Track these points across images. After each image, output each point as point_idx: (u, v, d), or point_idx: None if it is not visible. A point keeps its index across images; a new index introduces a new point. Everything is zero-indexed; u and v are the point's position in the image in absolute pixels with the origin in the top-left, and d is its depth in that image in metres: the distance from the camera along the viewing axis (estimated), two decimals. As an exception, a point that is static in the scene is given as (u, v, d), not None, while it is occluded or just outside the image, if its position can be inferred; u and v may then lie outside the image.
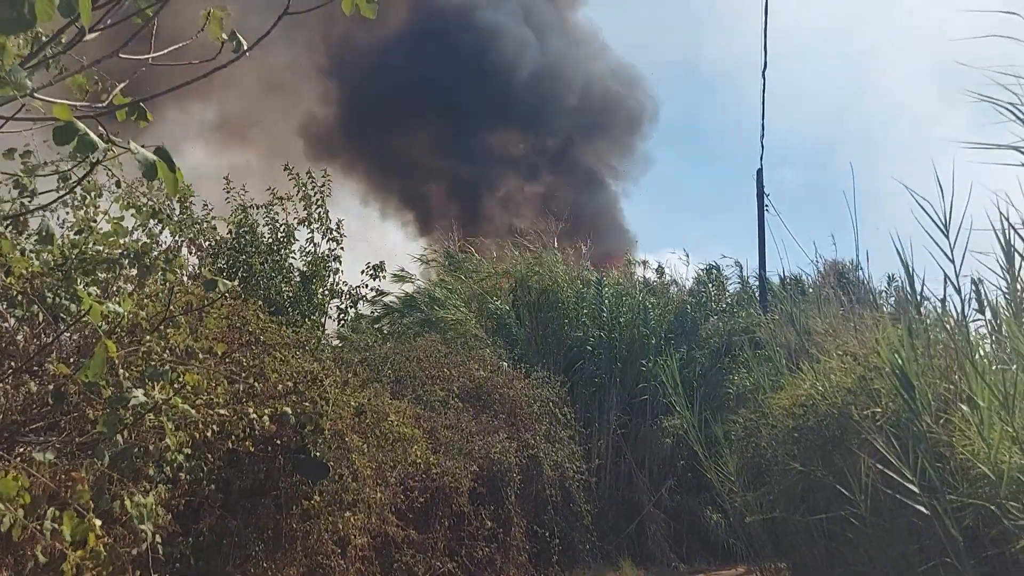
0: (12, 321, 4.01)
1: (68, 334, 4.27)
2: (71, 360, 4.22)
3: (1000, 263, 5.19)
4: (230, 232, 9.90)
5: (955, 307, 5.69)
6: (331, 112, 27.87)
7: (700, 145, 54.14)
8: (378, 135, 28.16)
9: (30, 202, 3.71)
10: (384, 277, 11.50)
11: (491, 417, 9.32)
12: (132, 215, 4.73)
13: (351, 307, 11.21)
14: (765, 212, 15.60)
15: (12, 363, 3.89)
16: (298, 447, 5.43)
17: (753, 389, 9.27)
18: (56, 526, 3.01)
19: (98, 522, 3.17)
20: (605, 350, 12.94)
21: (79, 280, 4.02)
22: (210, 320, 4.98)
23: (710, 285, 15.38)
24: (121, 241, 4.35)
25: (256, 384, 5.25)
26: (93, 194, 4.50)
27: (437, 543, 7.64)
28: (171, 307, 4.25)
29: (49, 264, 3.98)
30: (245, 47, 2.12)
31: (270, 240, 10.22)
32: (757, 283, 15.56)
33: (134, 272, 4.36)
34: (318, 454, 5.45)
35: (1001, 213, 5.07)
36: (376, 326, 12.84)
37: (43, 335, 4.09)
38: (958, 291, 5.51)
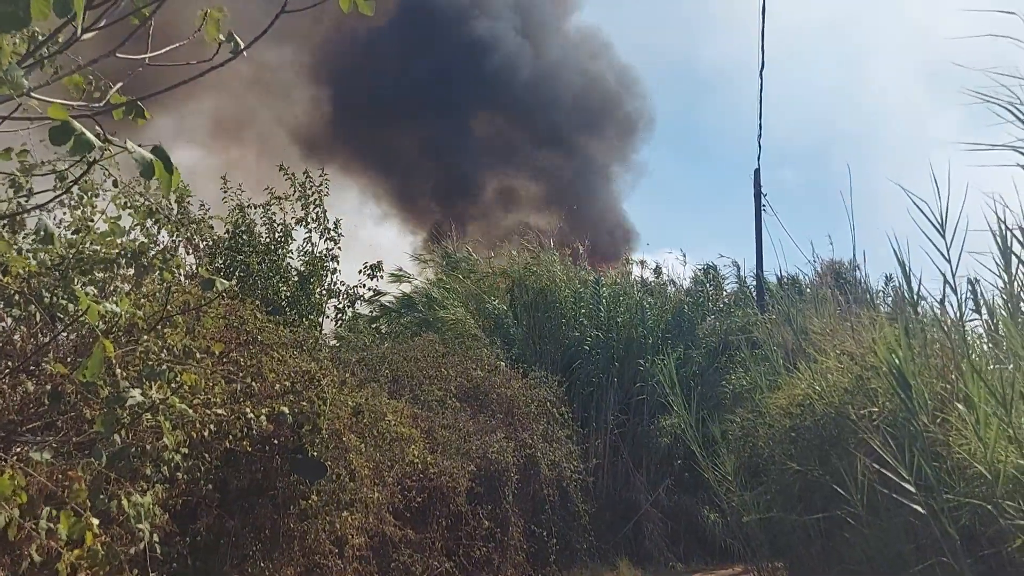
0: (9, 321, 4.01)
1: (65, 334, 4.27)
2: (68, 360, 4.21)
3: (996, 262, 5.20)
4: (227, 232, 9.90)
5: (952, 307, 5.72)
6: (325, 112, 27.85)
7: (698, 145, 54.26)
8: (371, 133, 28.11)
9: (27, 201, 3.71)
10: (382, 277, 11.52)
11: (488, 417, 9.32)
12: (129, 215, 4.72)
13: (349, 307, 11.22)
14: (762, 212, 15.69)
15: (9, 363, 3.89)
16: (295, 447, 5.43)
17: (750, 389, 9.28)
18: (52, 525, 3.01)
19: (95, 521, 3.17)
20: (602, 350, 12.94)
21: (76, 280, 4.02)
22: (207, 320, 4.99)
23: (707, 285, 15.43)
24: (118, 241, 4.34)
25: (253, 384, 5.25)
26: (90, 194, 4.49)
27: (435, 543, 7.64)
28: (168, 307, 4.25)
29: (46, 264, 3.98)
30: (242, 46, 2.12)
31: (267, 240, 10.21)
32: (754, 283, 15.61)
33: (131, 272, 4.35)
34: (315, 454, 5.45)
35: (997, 215, 5.09)
36: (373, 326, 12.86)
37: (40, 335, 4.09)
38: (955, 291, 5.54)
